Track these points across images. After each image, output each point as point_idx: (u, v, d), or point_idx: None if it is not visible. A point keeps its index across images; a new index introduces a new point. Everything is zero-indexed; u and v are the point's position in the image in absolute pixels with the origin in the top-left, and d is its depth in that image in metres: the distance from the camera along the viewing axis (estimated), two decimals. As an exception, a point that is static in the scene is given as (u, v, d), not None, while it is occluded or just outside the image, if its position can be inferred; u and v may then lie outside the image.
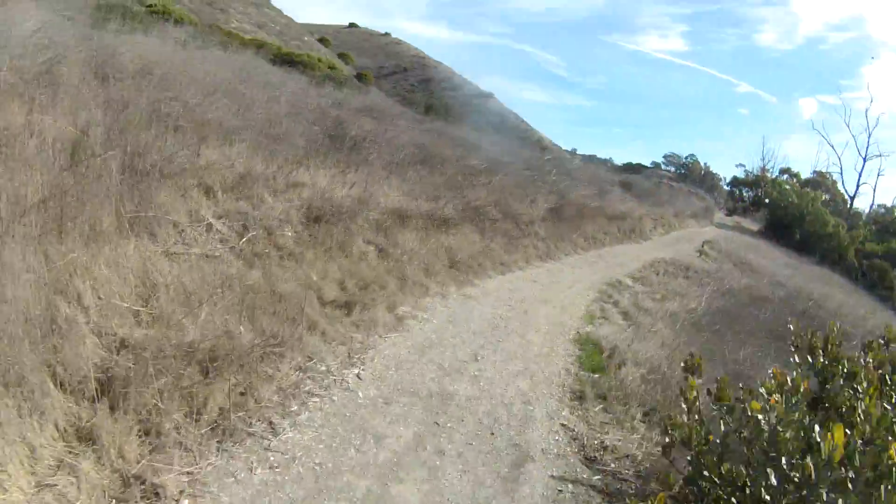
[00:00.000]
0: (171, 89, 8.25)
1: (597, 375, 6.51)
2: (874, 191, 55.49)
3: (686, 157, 65.07)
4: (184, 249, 5.51)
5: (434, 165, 12.85)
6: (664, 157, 66.20)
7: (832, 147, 74.68)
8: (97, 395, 3.61)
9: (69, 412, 3.50)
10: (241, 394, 4.22)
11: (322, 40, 38.49)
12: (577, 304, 9.74)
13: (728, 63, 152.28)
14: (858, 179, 51.71)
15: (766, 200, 57.17)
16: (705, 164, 64.49)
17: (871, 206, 52.67)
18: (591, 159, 52.81)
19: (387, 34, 58.08)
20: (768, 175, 58.99)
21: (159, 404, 3.67)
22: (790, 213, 41.13)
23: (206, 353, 4.14)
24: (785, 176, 58.43)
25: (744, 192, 61.21)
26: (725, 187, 62.67)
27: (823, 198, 48.22)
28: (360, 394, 4.89)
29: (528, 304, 8.86)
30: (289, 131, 9.48)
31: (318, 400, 4.62)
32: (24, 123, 5.35)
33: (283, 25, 32.09)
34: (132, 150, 5.67)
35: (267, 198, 7.25)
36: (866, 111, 65.09)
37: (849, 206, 51.02)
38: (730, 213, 51.47)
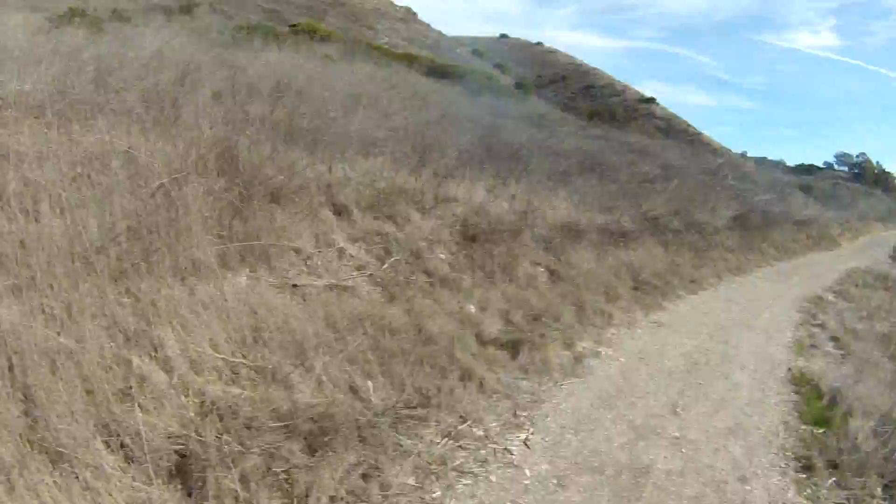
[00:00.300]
0: (309, 104, 7.49)
1: (821, 431, 4.81)
2: None
3: (857, 156, 59.01)
4: (309, 281, 4.51)
5: (603, 173, 11.47)
6: (836, 156, 60.32)
7: None
8: (169, 477, 2.61)
9: (134, 497, 2.49)
10: (363, 476, 3.02)
11: (476, 52, 38.61)
12: (782, 327, 8.01)
13: (882, 56, 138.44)
14: None
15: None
16: (878, 162, 57.81)
17: None
18: (762, 162, 48.76)
19: (539, 43, 57.76)
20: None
21: (243, 493, 2.58)
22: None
23: (316, 420, 3.03)
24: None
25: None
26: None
27: None
28: (528, 471, 3.55)
29: (728, 332, 7.23)
30: (439, 141, 8.46)
31: (469, 482, 3.33)
32: (127, 146, 4.62)
33: (433, 40, 32.16)
34: (247, 168, 4.79)
35: (413, 215, 6.21)
36: None
37: None
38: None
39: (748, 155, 50.56)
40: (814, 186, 31.37)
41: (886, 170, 56.64)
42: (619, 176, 11.87)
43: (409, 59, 18.60)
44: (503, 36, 59.88)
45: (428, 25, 34.93)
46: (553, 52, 55.91)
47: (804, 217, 18.91)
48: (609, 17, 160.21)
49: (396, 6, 34.69)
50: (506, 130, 11.21)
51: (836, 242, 19.89)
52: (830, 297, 10.83)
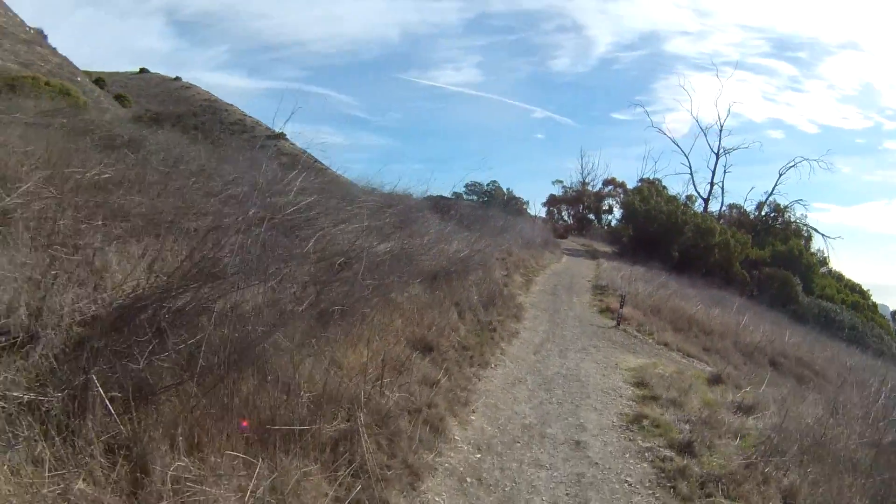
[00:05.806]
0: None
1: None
2: (722, 191, 47.53)
3: (487, 185, 58.77)
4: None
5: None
6: (465, 186, 58.66)
7: (678, 147, 59.38)
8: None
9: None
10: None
11: (98, 81, 37.26)
12: None
13: (523, 91, 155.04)
14: (712, 178, 46.31)
15: (591, 216, 54.70)
16: (507, 188, 58.80)
17: (720, 208, 47.26)
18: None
19: (177, 79, 58.48)
20: (589, 189, 55.40)
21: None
22: (660, 226, 34.38)
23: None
24: (609, 187, 55.28)
25: (564, 210, 58.40)
26: (535, 210, 57.71)
27: (697, 202, 44.33)
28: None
29: None
30: None
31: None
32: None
33: (55, 65, 27.90)
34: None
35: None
36: (716, 101, 55.66)
37: (704, 208, 45.70)
38: (558, 235, 44.44)
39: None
40: (453, 207, 23.09)
41: (515, 195, 58.02)
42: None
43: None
44: (143, 71, 58.98)
45: (54, 50, 30.41)
46: (189, 87, 56.55)
47: (449, 260, 11.80)
48: (257, 58, 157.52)
49: (28, 27, 29.92)
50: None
51: (516, 301, 13.71)
52: None
